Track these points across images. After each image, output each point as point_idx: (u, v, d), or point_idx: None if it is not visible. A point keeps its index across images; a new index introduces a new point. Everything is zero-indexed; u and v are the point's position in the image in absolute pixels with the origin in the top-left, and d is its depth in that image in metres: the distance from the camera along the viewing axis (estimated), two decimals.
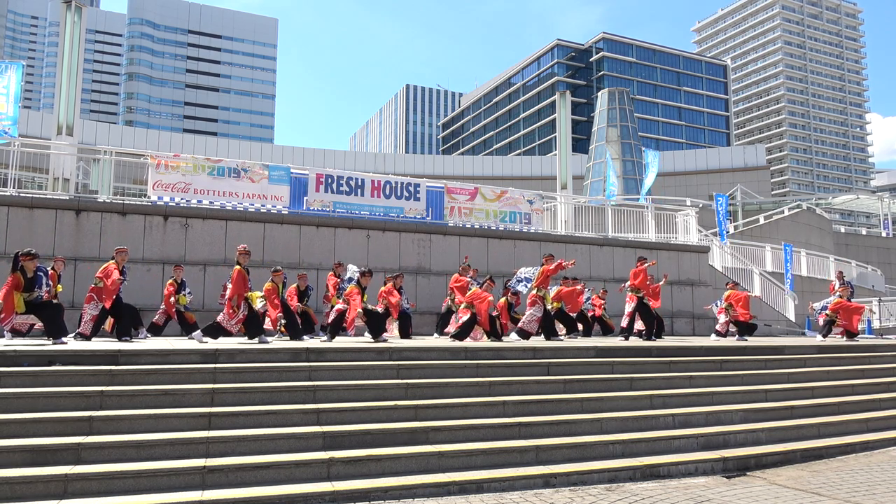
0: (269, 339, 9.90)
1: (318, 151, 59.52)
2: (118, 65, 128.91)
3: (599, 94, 60.30)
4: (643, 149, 38.88)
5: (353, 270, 11.24)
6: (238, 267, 9.74)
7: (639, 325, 13.22)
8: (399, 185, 15.58)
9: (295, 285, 12.10)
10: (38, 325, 9.47)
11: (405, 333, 11.97)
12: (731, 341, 12.75)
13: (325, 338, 10.69)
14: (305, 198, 14.49)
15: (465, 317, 11.31)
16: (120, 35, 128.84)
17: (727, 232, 22.91)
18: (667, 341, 12.22)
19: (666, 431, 7.37)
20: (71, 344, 8.55)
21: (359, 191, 15.07)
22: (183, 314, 11.51)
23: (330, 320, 10.96)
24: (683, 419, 7.72)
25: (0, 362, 6.81)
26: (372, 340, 10.27)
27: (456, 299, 12.22)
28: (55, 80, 16.00)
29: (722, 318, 14.37)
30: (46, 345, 8.29)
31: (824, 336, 13.96)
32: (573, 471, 6.22)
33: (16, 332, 9.85)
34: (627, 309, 13.25)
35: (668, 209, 20.40)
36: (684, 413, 7.81)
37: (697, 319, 17.74)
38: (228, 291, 9.92)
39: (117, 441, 5.75)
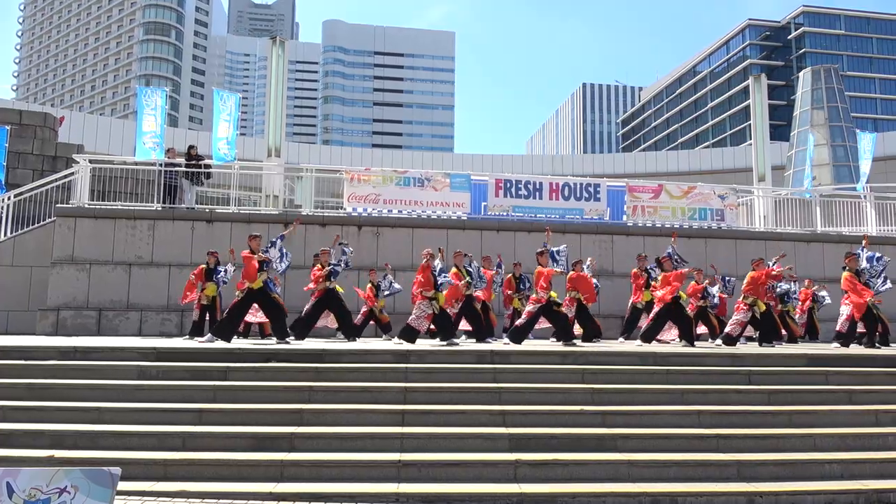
0: (456, 340, 10.22)
1: (496, 157, 60.30)
2: (315, 90, 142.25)
3: (801, 74, 54.33)
4: (857, 131, 34.31)
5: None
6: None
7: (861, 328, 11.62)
8: (578, 186, 15.31)
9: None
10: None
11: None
12: None
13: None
14: (485, 203, 14.78)
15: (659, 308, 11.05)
16: (316, 63, 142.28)
17: None
18: None
19: None
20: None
21: (537, 194, 15.05)
22: (378, 316, 12.38)
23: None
24: None
25: (230, 358, 7.84)
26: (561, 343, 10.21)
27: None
28: (264, 109, 18.01)
29: None
30: (268, 343, 9.37)
31: None
32: (782, 490, 5.65)
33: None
34: (844, 311, 11.69)
35: (894, 198, 17.76)
36: None
37: None
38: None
39: (324, 432, 6.31)
